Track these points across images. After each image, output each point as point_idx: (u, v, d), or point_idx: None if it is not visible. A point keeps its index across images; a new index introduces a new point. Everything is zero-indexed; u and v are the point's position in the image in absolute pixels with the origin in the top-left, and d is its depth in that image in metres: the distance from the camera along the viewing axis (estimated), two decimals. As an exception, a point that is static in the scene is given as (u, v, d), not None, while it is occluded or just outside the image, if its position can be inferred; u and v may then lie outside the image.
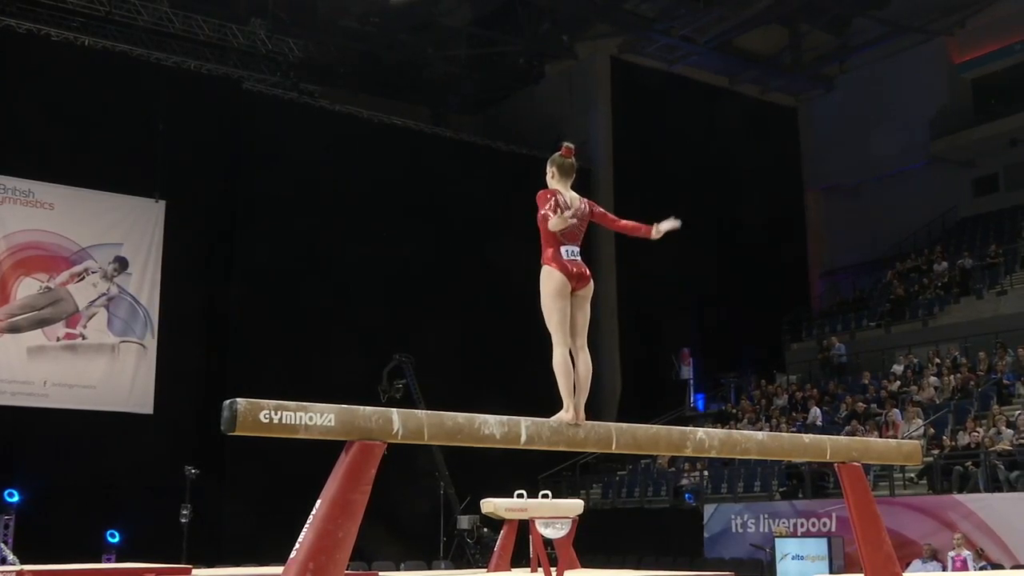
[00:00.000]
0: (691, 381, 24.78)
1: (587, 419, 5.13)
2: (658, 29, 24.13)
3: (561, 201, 5.26)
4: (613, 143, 25.20)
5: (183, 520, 15.20)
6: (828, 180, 28.47)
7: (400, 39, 23.56)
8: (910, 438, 15.06)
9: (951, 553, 13.28)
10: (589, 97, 25.46)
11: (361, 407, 4.35)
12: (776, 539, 15.16)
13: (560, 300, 5.17)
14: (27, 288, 17.72)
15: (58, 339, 17.88)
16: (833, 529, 15.07)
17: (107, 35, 19.57)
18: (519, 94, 26.45)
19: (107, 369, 18.19)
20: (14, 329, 17.50)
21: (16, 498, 15.74)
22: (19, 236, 17.75)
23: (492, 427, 4.74)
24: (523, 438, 4.83)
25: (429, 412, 4.65)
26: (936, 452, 15.49)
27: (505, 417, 4.86)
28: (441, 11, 23.17)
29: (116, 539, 16.44)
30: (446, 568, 16.48)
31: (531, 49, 24.87)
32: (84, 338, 18.10)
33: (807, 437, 6.38)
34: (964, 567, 12.85)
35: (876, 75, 26.69)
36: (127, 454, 17.20)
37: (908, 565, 13.25)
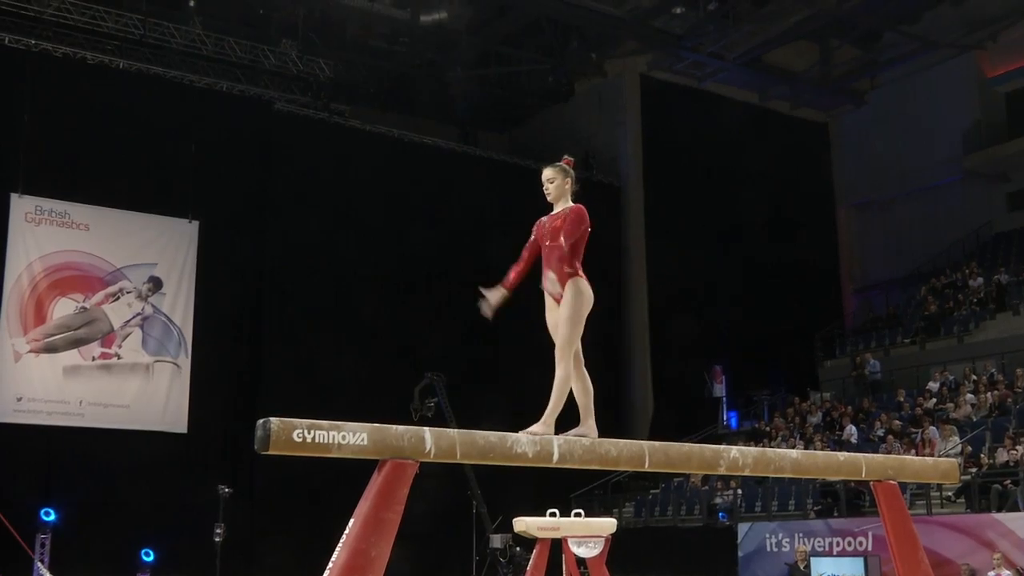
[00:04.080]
0: (723, 399, 24.61)
1: (619, 438, 5.16)
2: (687, 46, 24.11)
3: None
4: (643, 160, 25.17)
5: (216, 539, 15.25)
6: (860, 196, 28.27)
7: (428, 58, 23.70)
8: (947, 456, 14.89)
9: (990, 573, 13.10)
10: (618, 114, 25.45)
11: (393, 426, 4.35)
12: (812, 558, 14.99)
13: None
14: (63, 308, 17.92)
15: (93, 359, 18.05)
16: (869, 548, 14.90)
17: (141, 58, 19.80)
18: (548, 112, 26.49)
19: (141, 388, 18.33)
20: (50, 349, 17.69)
21: (52, 517, 15.87)
22: (55, 257, 17.96)
23: (524, 446, 4.73)
24: (555, 456, 4.81)
25: (461, 431, 4.64)
26: (974, 470, 15.30)
27: (538, 436, 4.86)
28: (469, 30, 23.29)
29: (151, 557, 16.54)
30: (478, 587, 16.44)
31: (560, 67, 24.92)
32: (119, 358, 18.26)
33: (842, 455, 6.31)
34: (1003, 587, 12.67)
35: (907, 90, 26.52)
36: (161, 473, 17.32)
37: (946, 585, 13.08)
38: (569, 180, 5.44)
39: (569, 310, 5.18)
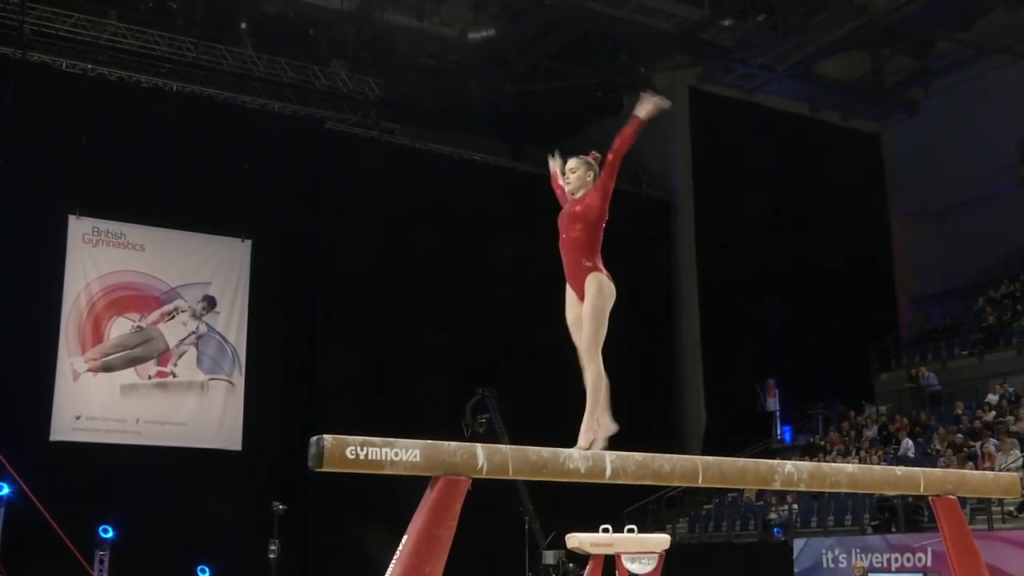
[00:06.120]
0: (777, 413, 24.33)
1: (672, 453, 5.10)
2: (736, 58, 23.96)
3: None
4: (693, 174, 25.05)
5: (271, 556, 15.34)
6: (914, 206, 27.85)
7: (477, 75, 23.79)
8: (1007, 470, 14.60)
9: (1055, 589, 12.82)
10: (668, 128, 25.29)
11: (446, 442, 4.35)
12: (870, 574, 14.75)
13: None
14: (120, 328, 18.21)
15: (150, 377, 18.31)
16: (929, 564, 14.63)
17: (194, 80, 20.11)
18: (597, 126, 26.42)
19: (197, 406, 18.55)
20: (108, 368, 17.97)
21: (110, 534, 16.08)
22: (112, 277, 18.27)
23: (577, 461, 4.71)
24: (608, 472, 4.78)
25: (514, 446, 4.63)
26: (1035, 484, 14.97)
27: (589, 451, 4.83)
28: (517, 46, 23.35)
29: (207, 574, 16.69)
30: (531, 603, 16.37)
31: (609, 81, 24.90)
32: (174, 376, 18.50)
33: (899, 469, 6.21)
34: (1069, 604, 12.38)
35: (961, 98, 26.10)
36: (216, 490, 17.46)
37: (1009, 602, 12.82)
38: (592, 173, 5.38)
39: (592, 306, 5.10)
